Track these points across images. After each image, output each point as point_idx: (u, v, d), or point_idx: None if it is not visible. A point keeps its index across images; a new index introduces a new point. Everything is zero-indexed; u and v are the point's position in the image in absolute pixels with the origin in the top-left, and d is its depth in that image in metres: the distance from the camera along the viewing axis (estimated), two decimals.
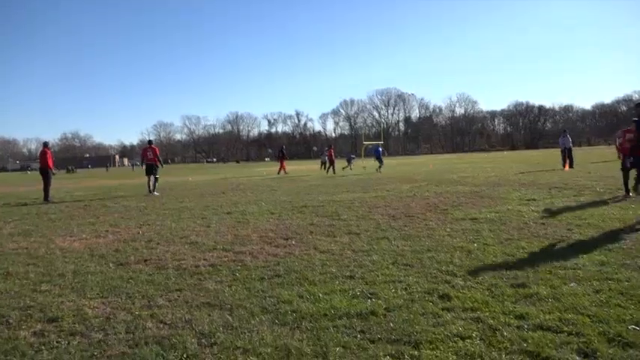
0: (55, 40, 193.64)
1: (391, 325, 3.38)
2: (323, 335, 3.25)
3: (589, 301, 3.66)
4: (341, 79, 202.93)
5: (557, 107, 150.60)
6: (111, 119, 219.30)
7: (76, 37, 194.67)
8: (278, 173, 30.19)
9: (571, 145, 22.08)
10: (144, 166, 17.22)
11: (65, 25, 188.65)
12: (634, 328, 3.11)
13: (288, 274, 4.93)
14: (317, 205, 11.02)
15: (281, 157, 31.82)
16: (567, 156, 21.48)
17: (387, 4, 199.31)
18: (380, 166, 28.06)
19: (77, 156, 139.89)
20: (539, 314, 3.44)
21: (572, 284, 4.11)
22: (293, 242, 6.68)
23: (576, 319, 3.30)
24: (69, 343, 3.32)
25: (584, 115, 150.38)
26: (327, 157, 31.41)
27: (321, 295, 4.14)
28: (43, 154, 16.15)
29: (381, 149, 29.76)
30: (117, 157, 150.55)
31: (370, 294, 4.11)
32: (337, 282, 4.55)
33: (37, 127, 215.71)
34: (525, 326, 3.25)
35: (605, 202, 9.07)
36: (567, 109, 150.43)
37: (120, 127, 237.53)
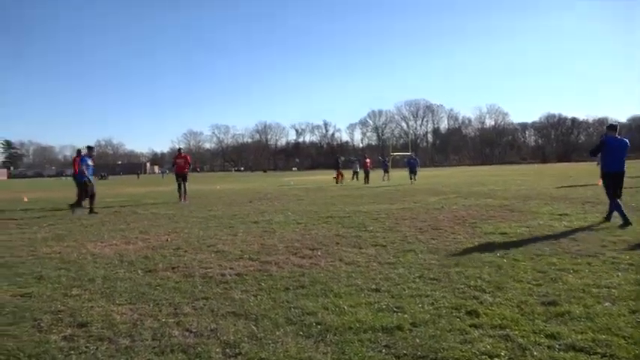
0: (88, 51, 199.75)
1: (417, 340, 3.32)
2: (347, 349, 3.22)
3: (624, 322, 3.52)
4: (369, 90, 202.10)
5: (590, 120, 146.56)
6: (143, 127, 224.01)
7: (109, 48, 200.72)
8: (337, 182, 30.59)
9: None
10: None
11: (100, 35, 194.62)
12: None
13: (314, 285, 4.92)
14: (343, 216, 11.00)
15: (337, 166, 32.93)
16: None
17: (416, 15, 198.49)
18: (413, 177, 27.90)
19: (110, 163, 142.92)
20: (571, 334, 3.33)
21: (606, 304, 3.97)
22: (319, 253, 6.66)
23: (610, 341, 3.19)
24: (97, 349, 3.38)
25: (619, 127, 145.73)
26: (359, 167, 33.08)
27: (346, 307, 4.11)
28: (75, 161, 16.57)
29: (414, 160, 29.48)
30: (148, 164, 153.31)
31: (396, 308, 4.06)
32: (363, 295, 4.51)
33: (72, 134, 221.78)
34: (557, 346, 3.15)
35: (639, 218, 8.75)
36: (602, 122, 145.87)
37: (151, 135, 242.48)
